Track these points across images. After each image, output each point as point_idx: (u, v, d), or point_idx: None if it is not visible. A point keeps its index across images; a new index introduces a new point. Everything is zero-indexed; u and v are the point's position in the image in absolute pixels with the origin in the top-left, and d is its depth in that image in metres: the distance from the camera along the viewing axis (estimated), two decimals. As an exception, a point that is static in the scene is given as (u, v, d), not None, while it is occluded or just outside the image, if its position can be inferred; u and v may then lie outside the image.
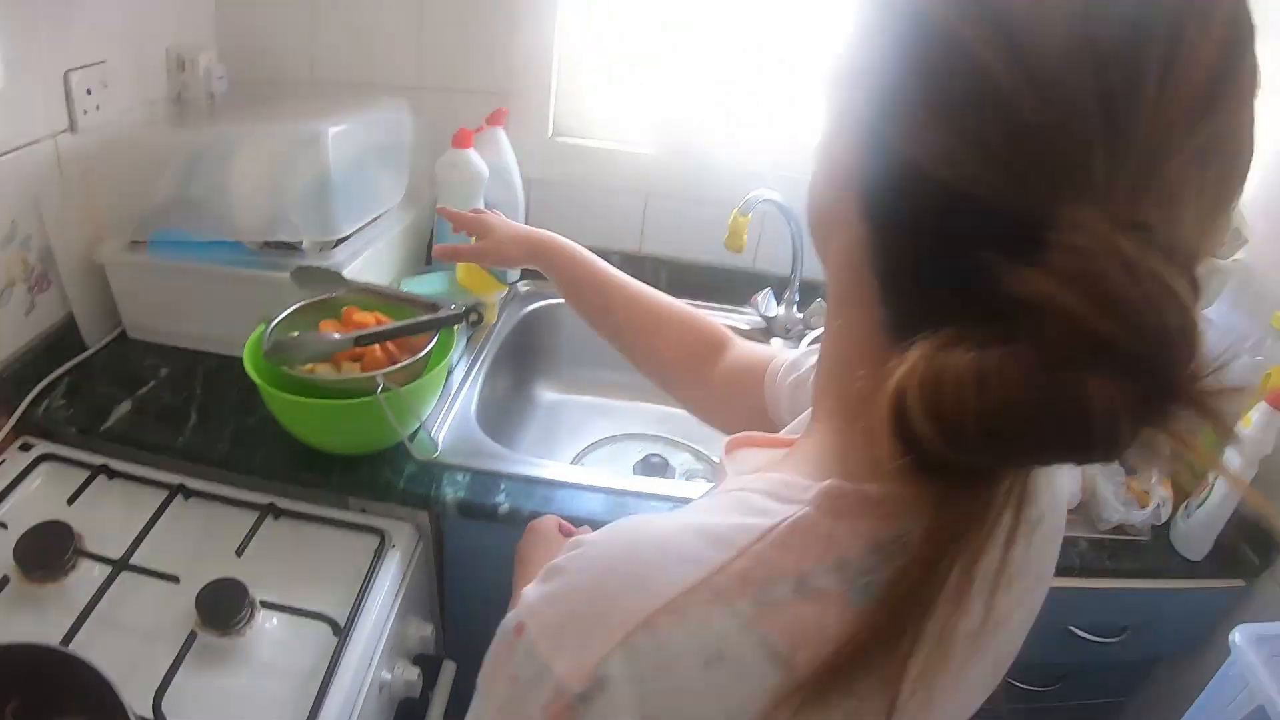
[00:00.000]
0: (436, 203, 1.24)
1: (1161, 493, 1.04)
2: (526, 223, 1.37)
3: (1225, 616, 1.10)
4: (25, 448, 0.97)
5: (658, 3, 1.30)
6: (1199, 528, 1.04)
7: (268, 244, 1.07)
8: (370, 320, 0.98)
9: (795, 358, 0.68)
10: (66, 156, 1.04)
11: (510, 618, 0.33)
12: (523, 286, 1.42)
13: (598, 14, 1.33)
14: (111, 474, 0.96)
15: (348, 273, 1.04)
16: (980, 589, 0.30)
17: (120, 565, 0.84)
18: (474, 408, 1.11)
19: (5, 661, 0.68)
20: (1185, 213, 0.27)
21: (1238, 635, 0.91)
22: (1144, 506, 1.03)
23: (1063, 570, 1.02)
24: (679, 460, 1.30)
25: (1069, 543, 1.04)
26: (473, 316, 0.96)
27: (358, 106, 1.15)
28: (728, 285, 1.43)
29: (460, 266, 1.04)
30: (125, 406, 1.03)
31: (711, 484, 0.52)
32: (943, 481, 0.27)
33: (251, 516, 0.93)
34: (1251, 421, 1.00)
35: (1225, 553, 1.06)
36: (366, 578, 0.88)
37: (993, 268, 0.26)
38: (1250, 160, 0.29)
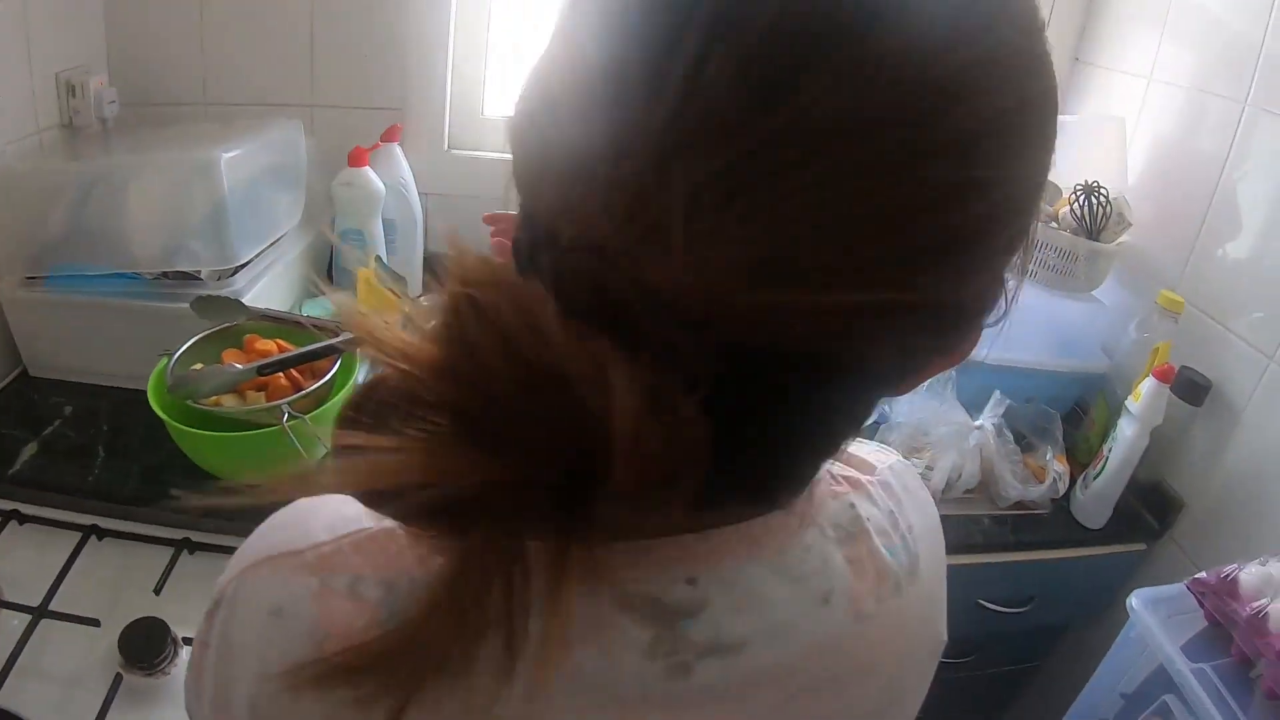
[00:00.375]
0: (334, 224, 1.23)
1: (1057, 467, 1.08)
2: (425, 238, 1.37)
3: (1128, 579, 1.15)
4: (-73, 498, 0.95)
5: (553, 14, 1.30)
6: (1096, 498, 1.08)
7: (166, 274, 1.06)
8: (273, 348, 0.98)
9: None
10: (-45, 193, 1.01)
11: None
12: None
13: (495, 26, 1.32)
14: (23, 519, 0.94)
15: (248, 299, 1.04)
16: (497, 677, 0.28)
17: (39, 613, 0.83)
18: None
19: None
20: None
21: (1135, 600, 0.94)
22: (1041, 482, 1.07)
23: (968, 546, 1.07)
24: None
25: (973, 520, 1.09)
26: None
27: (251, 128, 1.14)
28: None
29: (361, 286, 1.04)
30: (32, 448, 1.02)
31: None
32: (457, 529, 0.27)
33: (167, 553, 0.92)
34: (1141, 395, 1.04)
35: (1125, 519, 1.11)
36: (287, 607, 0.88)
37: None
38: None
